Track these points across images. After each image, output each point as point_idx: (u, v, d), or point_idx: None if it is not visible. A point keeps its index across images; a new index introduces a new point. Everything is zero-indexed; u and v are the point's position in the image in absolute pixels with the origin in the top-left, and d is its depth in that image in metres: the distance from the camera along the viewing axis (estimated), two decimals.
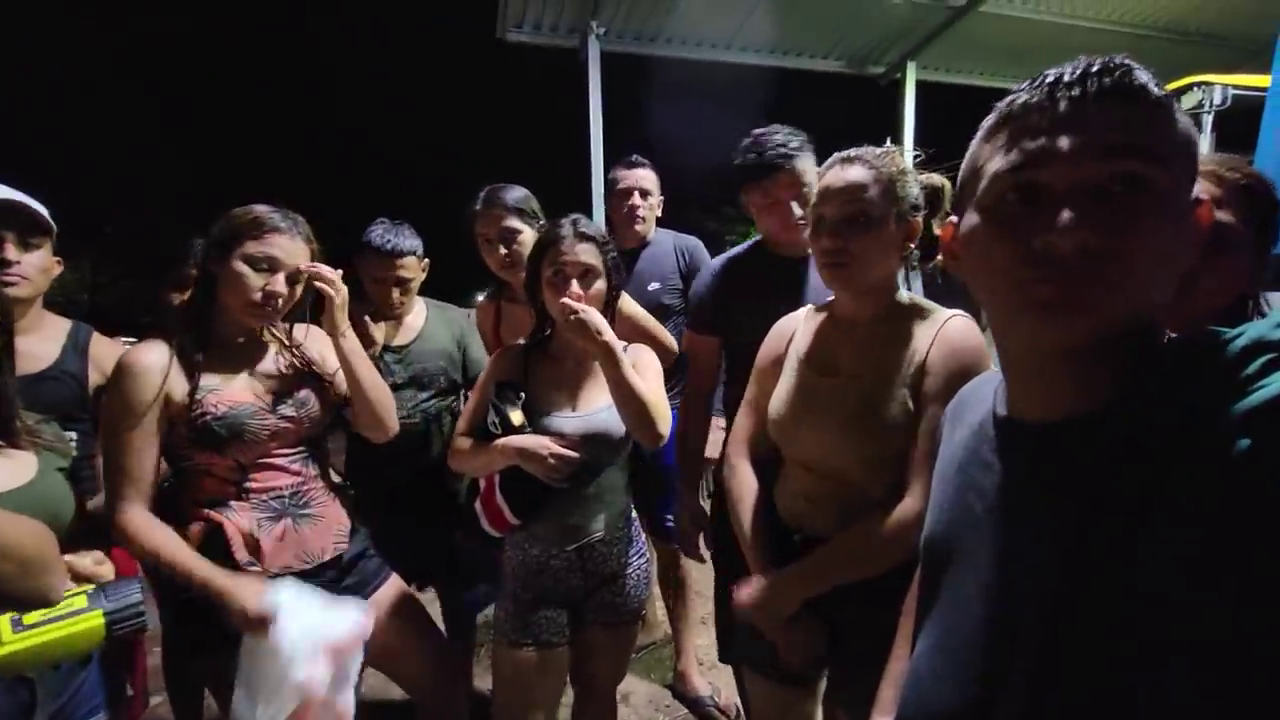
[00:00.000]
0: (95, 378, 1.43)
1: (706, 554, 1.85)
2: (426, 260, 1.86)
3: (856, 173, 1.05)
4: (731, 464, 1.27)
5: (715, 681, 2.29)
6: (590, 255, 1.32)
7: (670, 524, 2.16)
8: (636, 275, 2.14)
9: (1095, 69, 0.50)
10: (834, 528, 1.09)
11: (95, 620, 0.98)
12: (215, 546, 1.22)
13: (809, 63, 5.36)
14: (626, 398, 1.27)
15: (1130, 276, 0.49)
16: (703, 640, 2.39)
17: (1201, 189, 0.82)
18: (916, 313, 1.10)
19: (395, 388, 1.76)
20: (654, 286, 2.14)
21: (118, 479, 1.19)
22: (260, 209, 1.26)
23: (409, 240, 1.78)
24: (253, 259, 1.23)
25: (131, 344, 1.32)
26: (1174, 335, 0.54)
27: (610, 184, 2.25)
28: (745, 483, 1.24)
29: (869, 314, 1.12)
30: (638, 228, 2.17)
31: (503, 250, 1.75)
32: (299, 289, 1.30)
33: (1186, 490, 0.44)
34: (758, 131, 1.58)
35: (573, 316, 1.24)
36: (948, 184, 1.14)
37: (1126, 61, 0.50)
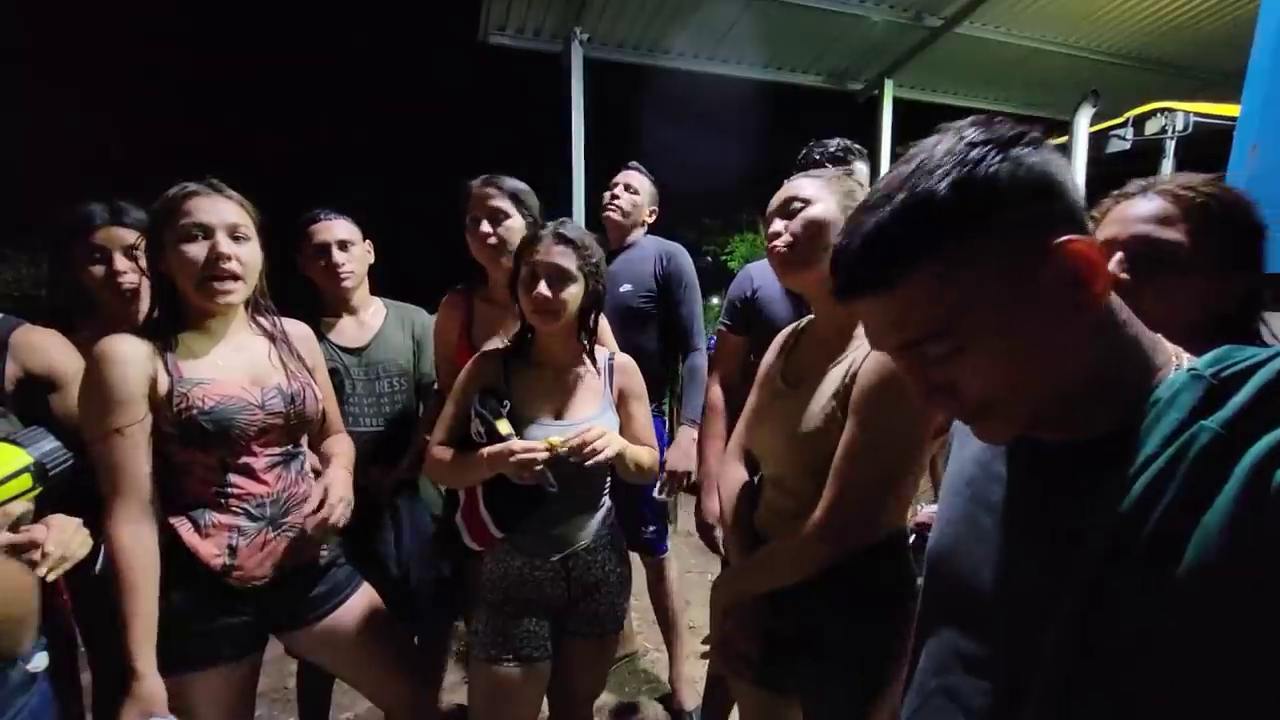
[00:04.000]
0: (12, 369, 1.29)
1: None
2: (369, 242, 1.85)
3: (799, 179, 1.14)
4: (726, 466, 1.31)
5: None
6: (564, 258, 1.30)
7: (649, 536, 2.15)
8: (611, 275, 2.13)
9: (852, 260, 0.53)
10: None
11: (17, 452, 0.93)
12: (177, 557, 1.17)
13: (789, 76, 5.43)
14: (631, 474, 1.40)
15: (1000, 405, 0.52)
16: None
17: (1156, 206, 0.84)
18: None
19: (354, 390, 1.72)
20: (625, 289, 2.12)
21: (109, 482, 1.11)
22: (169, 191, 1.21)
23: (340, 214, 1.79)
24: (184, 234, 1.18)
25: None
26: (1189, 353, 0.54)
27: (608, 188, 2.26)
28: (732, 484, 1.28)
29: (836, 326, 1.14)
30: (611, 215, 2.16)
31: (487, 227, 1.68)
32: (251, 247, 1.25)
33: (1219, 522, 0.43)
34: None
35: (591, 453, 1.27)
36: None
37: (875, 244, 0.51)
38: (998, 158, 0.48)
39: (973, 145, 0.49)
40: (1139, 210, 0.86)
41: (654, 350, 2.18)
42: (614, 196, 2.19)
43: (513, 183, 1.73)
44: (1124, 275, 0.84)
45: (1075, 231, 0.49)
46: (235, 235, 1.22)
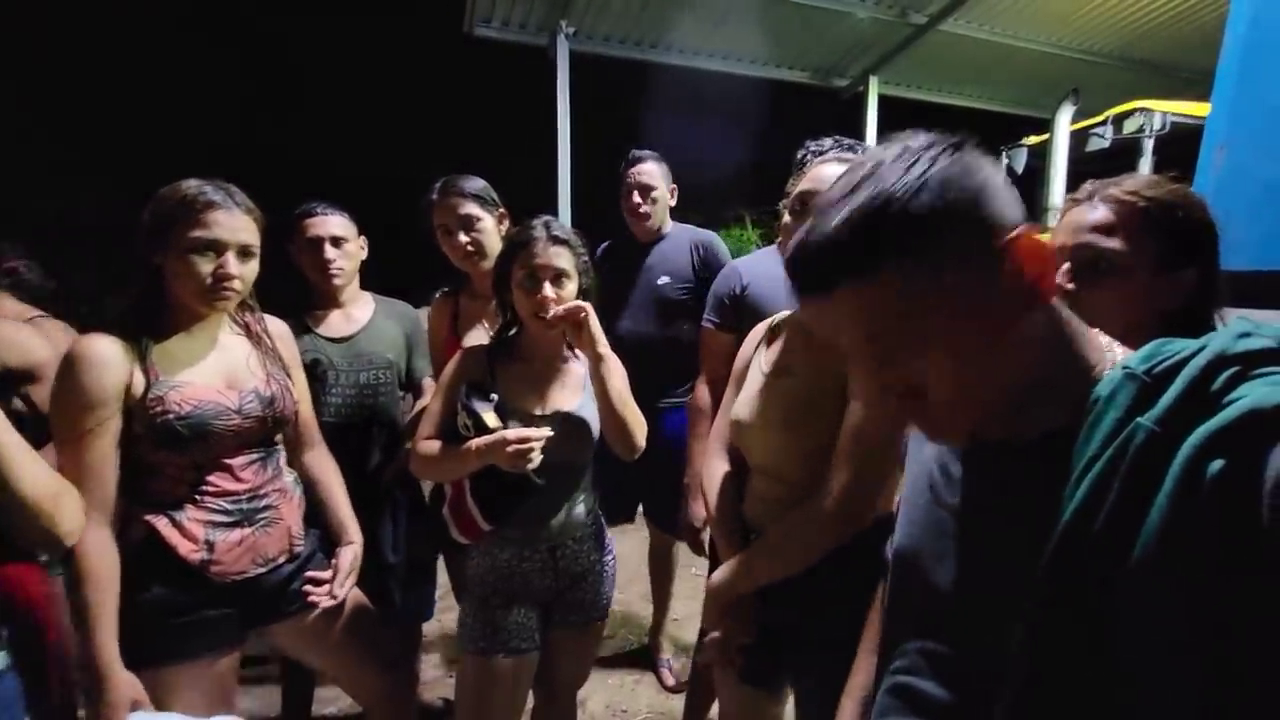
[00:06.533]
0: None
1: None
2: (364, 239, 1.83)
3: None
4: (709, 461, 1.30)
5: (675, 660, 2.38)
6: (563, 259, 1.31)
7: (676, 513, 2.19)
8: (647, 269, 2.11)
9: (821, 255, 0.52)
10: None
11: None
12: (155, 552, 1.16)
13: (775, 73, 5.46)
14: (612, 407, 1.32)
15: (957, 403, 0.53)
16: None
17: (1100, 215, 0.87)
18: None
19: (336, 380, 1.71)
20: (663, 281, 2.11)
21: (76, 481, 1.09)
22: (189, 186, 1.16)
23: (337, 209, 1.76)
24: (195, 244, 1.15)
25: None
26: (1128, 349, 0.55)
27: (620, 179, 2.21)
28: (716, 478, 1.26)
29: None
30: (646, 225, 2.14)
31: (463, 237, 1.69)
32: (253, 264, 1.23)
33: (1163, 514, 0.44)
34: None
35: (583, 315, 1.28)
36: None
37: (820, 248, 0.51)
38: (949, 161, 0.50)
39: (925, 149, 0.51)
40: (1084, 219, 0.89)
41: (691, 340, 2.14)
42: (638, 205, 2.13)
43: (472, 184, 1.73)
44: (1070, 285, 0.87)
45: (1021, 230, 0.51)
46: (243, 254, 1.21)
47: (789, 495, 1.12)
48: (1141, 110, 3.84)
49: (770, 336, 1.25)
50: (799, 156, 1.72)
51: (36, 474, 0.94)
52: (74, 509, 1.00)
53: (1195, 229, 0.87)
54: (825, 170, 1.11)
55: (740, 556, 1.13)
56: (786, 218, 1.13)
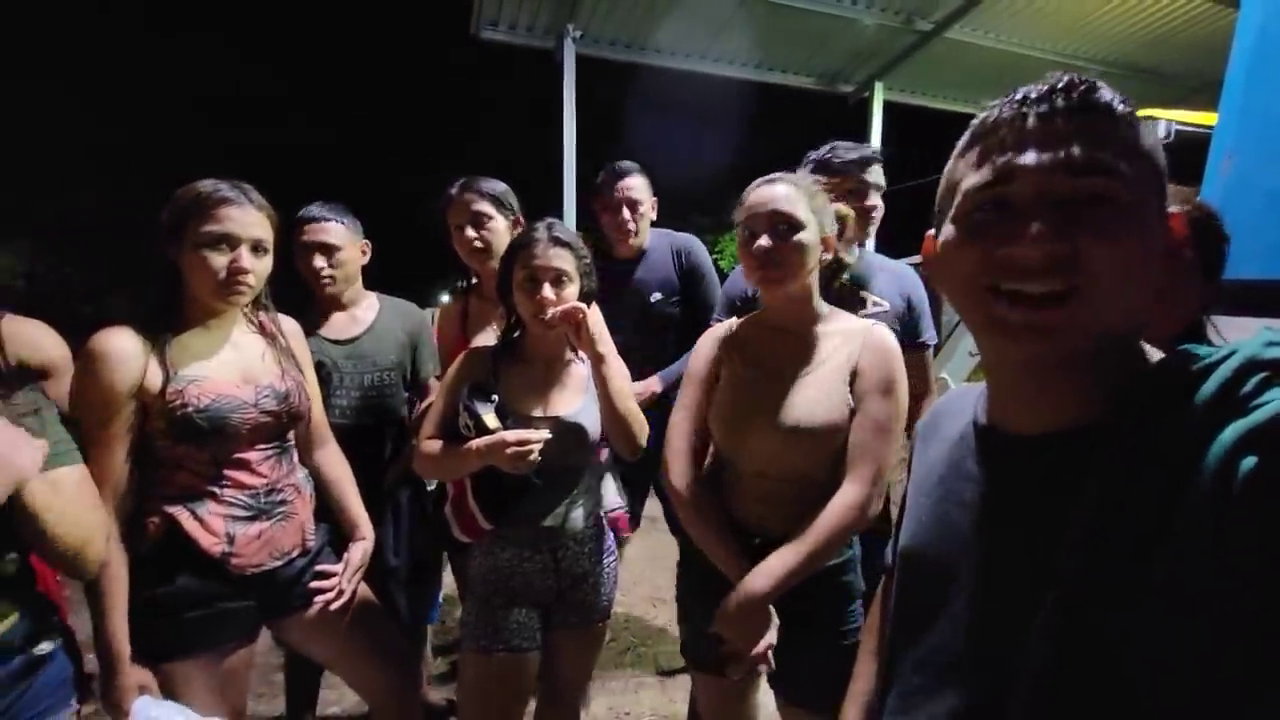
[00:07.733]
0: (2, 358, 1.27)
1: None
2: (367, 242, 1.83)
3: (781, 189, 1.14)
4: (675, 467, 1.25)
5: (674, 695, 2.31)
6: (563, 260, 1.32)
7: None
8: (639, 284, 2.09)
9: (1061, 86, 0.51)
10: (793, 526, 1.13)
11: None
12: (176, 546, 1.18)
13: (781, 77, 5.46)
14: (613, 407, 1.32)
15: (1094, 291, 0.49)
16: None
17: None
18: (840, 320, 1.21)
19: (341, 382, 1.71)
20: (657, 298, 2.09)
21: (94, 474, 1.10)
22: (204, 184, 1.21)
23: (339, 214, 1.75)
24: (208, 238, 1.18)
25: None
26: (1159, 355, 0.55)
27: (597, 189, 2.13)
28: (688, 481, 1.24)
29: (799, 321, 1.19)
30: (631, 241, 2.09)
31: (471, 233, 1.71)
32: (267, 260, 1.26)
33: (1194, 510, 0.44)
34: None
35: (581, 316, 1.28)
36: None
37: (1092, 80, 0.52)
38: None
39: None
40: None
41: (674, 353, 2.09)
42: (623, 222, 2.05)
43: (491, 184, 1.74)
44: None
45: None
46: (256, 249, 1.23)
47: (799, 494, 1.13)
48: (1146, 118, 3.84)
49: (738, 338, 1.26)
50: (817, 157, 1.74)
51: (69, 526, 0.96)
52: (99, 548, 1.02)
53: (1222, 239, 0.89)
54: (765, 192, 1.14)
55: (785, 558, 1.10)
56: (764, 241, 1.12)
